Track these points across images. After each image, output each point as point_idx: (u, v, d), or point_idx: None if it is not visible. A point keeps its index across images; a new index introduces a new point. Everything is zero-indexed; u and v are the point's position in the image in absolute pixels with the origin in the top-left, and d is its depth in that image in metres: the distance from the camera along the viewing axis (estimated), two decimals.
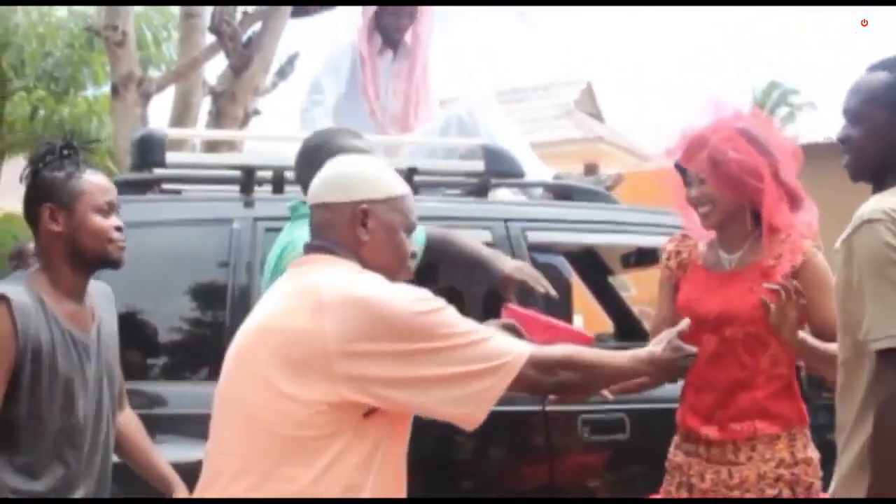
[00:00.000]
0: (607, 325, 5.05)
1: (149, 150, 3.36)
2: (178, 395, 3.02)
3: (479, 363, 1.89)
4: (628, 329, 4.75)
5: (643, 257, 4.44)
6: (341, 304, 1.84)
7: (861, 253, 1.99)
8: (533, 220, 3.53)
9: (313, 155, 2.50)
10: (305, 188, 2.63)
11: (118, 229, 2.37)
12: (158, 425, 2.78)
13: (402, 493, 2.01)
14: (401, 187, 2.04)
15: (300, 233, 2.37)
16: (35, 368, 2.20)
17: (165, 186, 3.46)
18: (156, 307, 3.14)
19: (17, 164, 14.53)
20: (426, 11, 4.10)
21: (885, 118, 2.11)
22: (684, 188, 2.68)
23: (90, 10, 10.24)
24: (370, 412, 1.87)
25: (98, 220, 2.33)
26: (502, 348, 1.93)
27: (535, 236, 3.53)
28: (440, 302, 1.93)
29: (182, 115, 7.76)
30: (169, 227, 3.21)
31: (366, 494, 1.86)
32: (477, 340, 1.91)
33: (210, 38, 7.59)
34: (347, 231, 1.98)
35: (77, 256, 2.32)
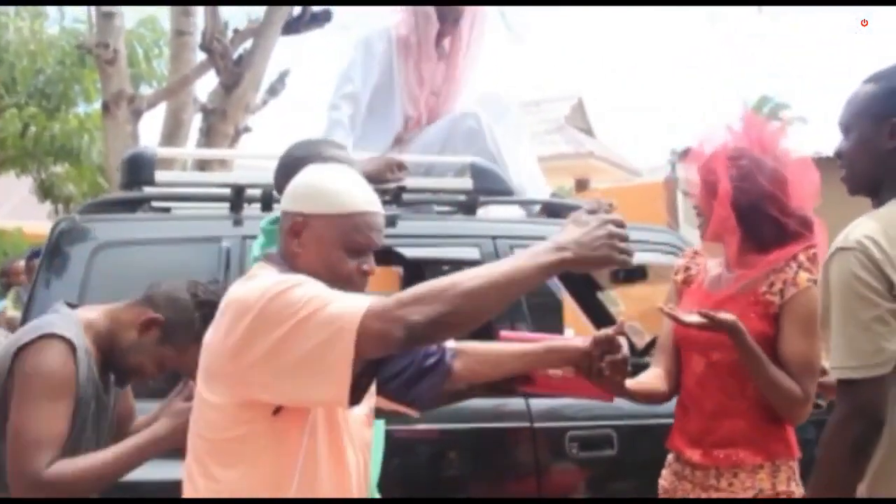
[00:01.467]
0: None
1: (138, 169, 3.38)
2: None
3: (319, 335, 1.70)
4: (632, 346, 4.77)
5: (632, 273, 4.46)
6: (225, 307, 1.84)
7: (833, 281, 2.03)
8: (521, 238, 3.55)
9: (293, 167, 2.50)
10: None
11: None
12: None
13: (348, 491, 1.93)
14: (353, 205, 1.91)
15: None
16: (75, 415, 2.24)
17: (155, 204, 3.48)
18: None
19: (8, 180, 14.54)
20: (470, 17, 4.01)
21: (870, 129, 2.11)
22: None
23: (81, 27, 10.26)
24: (278, 410, 1.82)
25: None
26: (338, 311, 1.71)
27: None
28: (294, 279, 1.80)
29: (173, 133, 7.76)
30: (158, 246, 3.23)
31: (292, 493, 1.83)
32: (315, 310, 1.71)
33: (201, 56, 7.60)
34: (286, 241, 1.95)
35: None
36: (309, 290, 1.77)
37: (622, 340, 2.19)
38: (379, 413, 2.22)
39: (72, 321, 2.32)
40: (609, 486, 3.39)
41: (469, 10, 3.92)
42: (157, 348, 2.37)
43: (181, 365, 2.37)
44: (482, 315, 1.74)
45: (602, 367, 2.18)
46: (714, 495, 2.53)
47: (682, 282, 2.78)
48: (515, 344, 2.30)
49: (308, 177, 1.99)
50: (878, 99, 2.12)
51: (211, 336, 1.87)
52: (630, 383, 2.42)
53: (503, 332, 2.45)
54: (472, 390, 2.32)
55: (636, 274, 4.45)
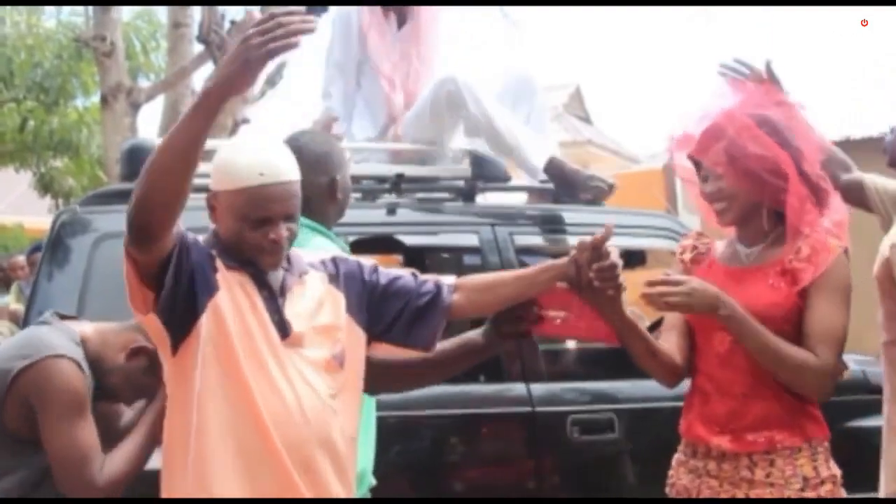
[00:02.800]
0: None
1: (138, 161, 3.37)
2: None
3: None
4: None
5: (631, 259, 4.48)
6: None
7: None
8: (520, 224, 3.57)
9: None
10: None
11: None
12: None
13: (286, 418, 2.00)
14: (247, 180, 2.00)
15: None
16: None
17: None
18: None
19: (8, 175, 14.55)
20: None
21: None
22: (699, 181, 2.43)
23: (78, 20, 10.27)
24: (175, 350, 2.04)
25: None
26: None
27: (523, 240, 3.57)
28: None
29: (171, 124, 7.71)
30: None
31: (193, 425, 1.98)
32: None
33: (198, 48, 7.62)
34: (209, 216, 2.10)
35: None
36: None
37: (611, 248, 2.10)
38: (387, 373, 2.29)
39: (66, 335, 2.37)
40: (611, 470, 3.41)
41: None
42: (140, 377, 2.40)
43: (154, 394, 2.40)
44: (170, 176, 1.86)
45: (591, 278, 2.08)
46: (749, 491, 2.27)
47: (690, 261, 2.53)
48: (511, 271, 2.35)
49: (220, 153, 2.08)
50: None
51: None
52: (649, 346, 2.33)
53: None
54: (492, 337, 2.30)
55: (635, 259, 4.46)
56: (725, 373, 2.33)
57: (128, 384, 2.41)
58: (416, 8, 3.94)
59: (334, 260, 2.23)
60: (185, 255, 1.99)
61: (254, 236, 2.01)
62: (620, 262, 2.11)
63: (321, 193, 2.59)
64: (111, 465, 2.28)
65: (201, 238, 2.07)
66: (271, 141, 2.12)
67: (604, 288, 2.12)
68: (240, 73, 1.84)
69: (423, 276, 2.26)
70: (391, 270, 2.27)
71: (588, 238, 2.10)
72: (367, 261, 2.28)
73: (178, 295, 2.00)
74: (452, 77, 3.65)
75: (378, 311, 2.18)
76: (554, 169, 3.71)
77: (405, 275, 2.26)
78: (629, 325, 2.27)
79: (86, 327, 2.45)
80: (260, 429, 1.98)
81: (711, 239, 2.57)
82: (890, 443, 2.67)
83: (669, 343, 2.44)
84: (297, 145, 2.62)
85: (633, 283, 2.35)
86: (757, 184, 2.30)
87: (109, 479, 2.27)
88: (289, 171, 2.06)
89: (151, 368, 2.35)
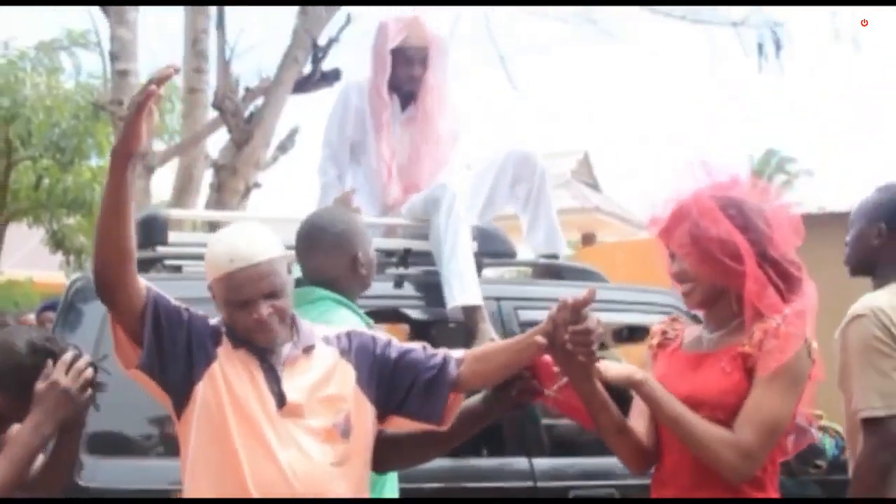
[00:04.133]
0: None
1: (152, 231, 3.47)
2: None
3: None
4: (622, 400, 4.81)
5: (635, 333, 4.52)
6: None
7: (852, 341, 2.64)
8: (524, 299, 3.63)
9: (307, 235, 2.77)
10: (304, 268, 2.77)
11: None
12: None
13: (274, 481, 2.10)
14: (221, 268, 2.16)
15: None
16: None
17: (168, 263, 3.56)
18: None
19: (20, 230, 14.70)
20: (438, 58, 3.91)
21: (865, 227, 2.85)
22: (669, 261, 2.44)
23: (96, 82, 10.47)
24: (179, 416, 2.22)
25: None
26: None
27: (527, 315, 3.61)
28: None
29: (184, 188, 7.90)
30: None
31: (186, 483, 2.16)
32: None
33: (212, 113, 7.76)
34: None
35: None
36: None
37: (591, 315, 2.14)
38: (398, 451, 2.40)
39: None
40: None
41: (435, 46, 3.87)
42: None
43: (14, 412, 2.38)
44: (109, 234, 2.08)
45: (565, 339, 2.12)
46: None
47: (656, 345, 2.53)
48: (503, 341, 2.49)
49: (207, 246, 2.28)
50: (873, 205, 2.85)
51: None
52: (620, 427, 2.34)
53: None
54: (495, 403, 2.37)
55: (637, 334, 4.51)
56: (680, 459, 2.30)
57: None
58: (422, 89, 3.90)
59: (349, 334, 2.32)
60: (162, 316, 2.17)
61: (241, 317, 2.16)
62: (599, 330, 2.14)
63: (344, 270, 2.71)
64: None
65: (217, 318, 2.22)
66: (245, 227, 2.26)
67: (576, 352, 2.15)
68: (126, 129, 2.03)
69: (432, 350, 2.31)
70: (404, 344, 2.34)
71: (570, 298, 2.14)
72: (382, 335, 2.36)
73: (171, 359, 2.16)
74: (444, 185, 3.66)
75: (390, 384, 2.25)
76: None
77: (416, 348, 2.32)
78: (600, 398, 2.29)
79: None
80: (244, 492, 2.07)
81: (684, 324, 2.57)
82: None
83: (638, 427, 2.42)
84: (319, 224, 2.76)
85: (635, 356, 2.39)
86: (717, 267, 2.30)
87: None
88: (259, 252, 2.16)
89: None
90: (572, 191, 17.64)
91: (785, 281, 2.31)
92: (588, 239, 16.93)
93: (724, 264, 2.28)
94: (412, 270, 3.65)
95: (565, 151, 20.79)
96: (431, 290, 3.59)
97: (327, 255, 2.72)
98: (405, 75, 3.85)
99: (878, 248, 2.82)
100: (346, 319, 2.58)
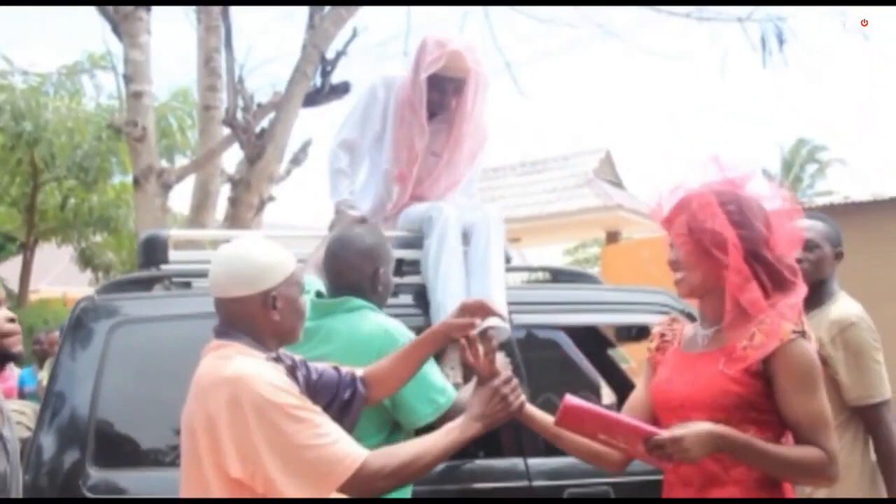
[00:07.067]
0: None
1: (153, 250, 3.59)
2: None
3: None
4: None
5: (641, 332, 4.57)
6: None
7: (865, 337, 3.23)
8: (517, 303, 3.70)
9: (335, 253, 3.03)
10: (330, 275, 3.02)
11: (11, 321, 2.58)
12: None
13: None
14: (290, 266, 2.35)
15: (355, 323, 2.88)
16: None
17: (177, 280, 3.67)
18: (169, 398, 3.27)
19: (50, 251, 15.01)
20: (475, 90, 3.83)
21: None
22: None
23: (116, 103, 10.69)
24: None
25: None
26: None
27: (520, 318, 3.69)
28: None
29: (202, 203, 8.06)
30: (173, 322, 3.38)
31: None
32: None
33: (227, 130, 7.90)
34: None
35: None
36: None
37: (491, 323, 2.52)
38: None
39: None
40: None
41: (473, 78, 3.80)
42: None
43: None
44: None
45: (468, 338, 2.46)
46: None
47: (655, 349, 2.61)
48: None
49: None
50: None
51: None
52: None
53: (568, 398, 2.37)
54: None
55: (644, 333, 4.56)
56: (685, 463, 2.30)
57: None
58: (458, 116, 3.85)
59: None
60: None
61: (300, 307, 2.41)
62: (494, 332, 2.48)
63: (365, 280, 2.95)
64: None
65: None
66: (254, 241, 2.40)
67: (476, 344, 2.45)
68: (498, 424, 2.41)
69: (343, 369, 2.59)
70: (319, 364, 2.58)
71: (473, 300, 2.59)
72: (297, 355, 2.54)
73: None
74: (440, 207, 3.66)
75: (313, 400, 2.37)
76: None
77: (328, 368, 2.58)
78: (539, 425, 2.57)
79: None
80: None
81: (683, 324, 2.63)
82: None
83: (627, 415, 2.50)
84: (353, 233, 3.03)
85: (640, 354, 2.45)
86: (706, 257, 2.37)
87: None
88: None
89: None
90: (595, 189, 17.59)
91: (775, 282, 2.36)
92: (612, 236, 16.94)
93: (712, 255, 2.35)
94: (407, 280, 3.73)
95: (587, 150, 20.72)
96: (425, 297, 3.67)
97: (354, 261, 2.96)
98: (437, 100, 3.83)
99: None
100: (397, 326, 2.88)
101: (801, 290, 2.40)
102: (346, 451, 2.15)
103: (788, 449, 2.28)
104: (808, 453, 2.26)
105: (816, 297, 3.24)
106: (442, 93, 3.81)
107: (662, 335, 2.63)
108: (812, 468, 2.26)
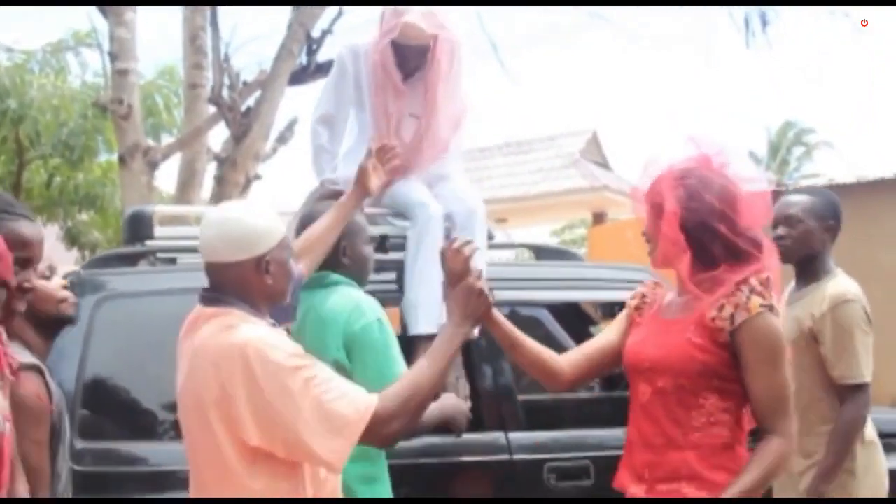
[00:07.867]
0: None
1: (138, 226, 3.61)
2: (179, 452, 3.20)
3: None
4: (612, 377, 4.93)
5: (623, 309, 4.62)
6: None
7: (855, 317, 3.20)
8: (497, 279, 3.73)
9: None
10: None
11: (65, 287, 2.59)
12: (171, 484, 2.96)
13: None
14: (281, 230, 2.40)
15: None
16: (53, 430, 2.39)
17: (161, 256, 3.70)
18: (156, 371, 3.29)
19: None
20: (442, 47, 3.76)
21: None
22: None
23: (102, 81, 10.65)
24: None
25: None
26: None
27: (504, 295, 3.72)
28: None
29: (188, 181, 8.06)
30: (158, 297, 3.42)
31: None
32: None
33: (212, 108, 7.90)
34: None
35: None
36: None
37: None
38: None
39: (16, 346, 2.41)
40: None
41: (440, 42, 3.75)
42: None
43: None
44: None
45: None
46: None
47: (634, 308, 2.70)
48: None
49: None
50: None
51: None
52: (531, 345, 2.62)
53: None
54: None
55: (617, 310, 4.61)
56: (646, 423, 2.45)
57: None
58: (430, 75, 3.80)
59: None
60: None
61: (289, 270, 2.48)
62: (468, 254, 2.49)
63: (330, 254, 3.05)
64: None
65: None
66: (241, 206, 2.41)
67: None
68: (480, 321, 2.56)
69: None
70: None
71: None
72: None
73: None
74: (425, 204, 3.63)
75: None
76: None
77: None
78: (501, 332, 2.61)
79: None
80: None
81: (666, 290, 2.69)
82: None
83: (587, 346, 2.74)
84: (319, 208, 3.15)
85: None
86: (656, 229, 2.50)
87: None
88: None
89: None
90: (581, 170, 17.64)
91: (730, 253, 2.44)
92: (599, 218, 16.98)
93: (659, 226, 2.48)
94: (391, 255, 3.75)
95: (574, 131, 20.73)
96: None
97: None
98: (403, 65, 3.79)
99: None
100: (369, 301, 2.92)
101: (770, 262, 2.47)
102: (361, 400, 2.19)
103: (758, 467, 2.34)
104: (770, 454, 2.35)
105: (811, 272, 3.34)
106: (404, 59, 3.77)
107: (643, 295, 2.71)
108: (779, 468, 2.37)
